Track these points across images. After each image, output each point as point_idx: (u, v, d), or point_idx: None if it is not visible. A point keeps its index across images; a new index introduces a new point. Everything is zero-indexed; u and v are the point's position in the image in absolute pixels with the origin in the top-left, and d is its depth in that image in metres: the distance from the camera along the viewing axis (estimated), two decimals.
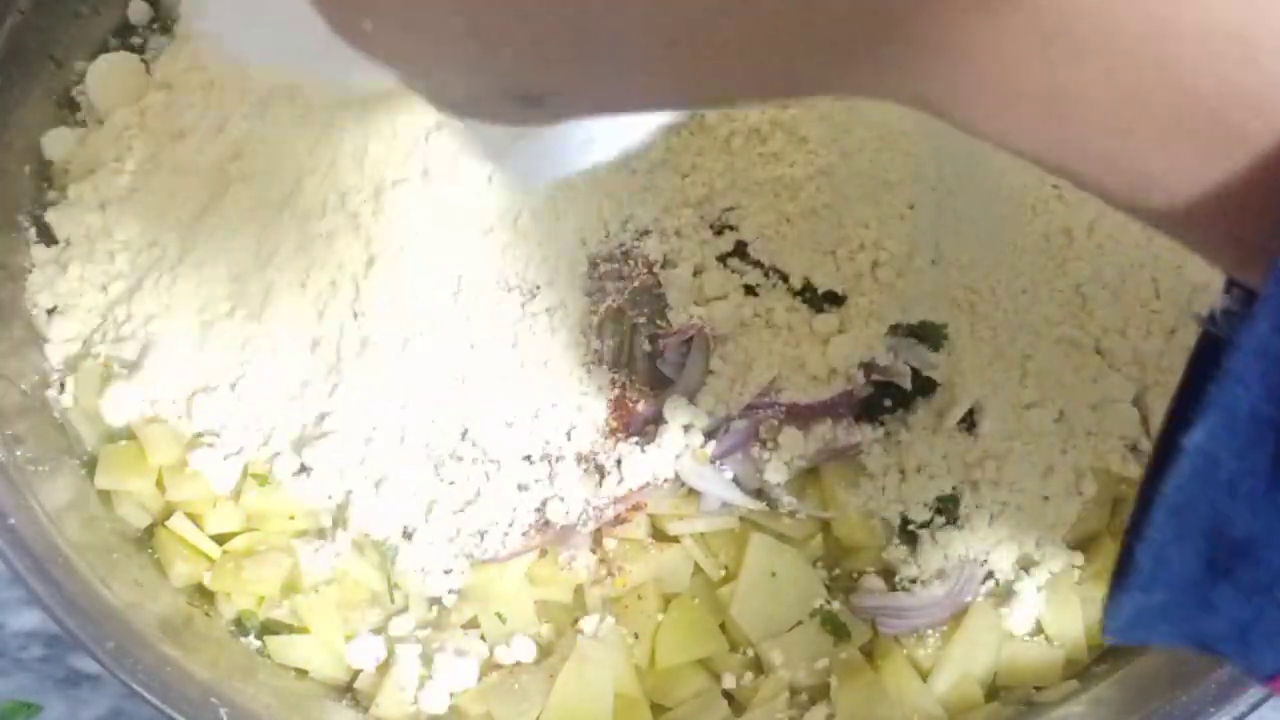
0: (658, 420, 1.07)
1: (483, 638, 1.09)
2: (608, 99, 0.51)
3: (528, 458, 1.08)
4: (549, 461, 1.07)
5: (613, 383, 1.07)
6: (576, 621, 1.08)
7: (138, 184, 1.22)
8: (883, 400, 1.08)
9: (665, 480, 1.07)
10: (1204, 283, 1.19)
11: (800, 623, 1.08)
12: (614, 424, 1.08)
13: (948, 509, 1.07)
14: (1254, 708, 0.97)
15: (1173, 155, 0.39)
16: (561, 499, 1.06)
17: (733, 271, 1.06)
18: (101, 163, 1.25)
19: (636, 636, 1.08)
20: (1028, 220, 1.17)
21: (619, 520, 1.08)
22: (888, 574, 1.10)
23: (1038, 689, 1.08)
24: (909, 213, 1.09)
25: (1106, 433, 1.12)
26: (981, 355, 1.10)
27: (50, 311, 1.19)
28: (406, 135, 1.10)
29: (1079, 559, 1.09)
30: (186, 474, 1.10)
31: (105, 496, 1.13)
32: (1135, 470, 1.11)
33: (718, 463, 1.06)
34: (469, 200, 1.08)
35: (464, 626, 1.09)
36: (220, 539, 1.11)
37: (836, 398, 1.07)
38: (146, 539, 1.13)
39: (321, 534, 1.11)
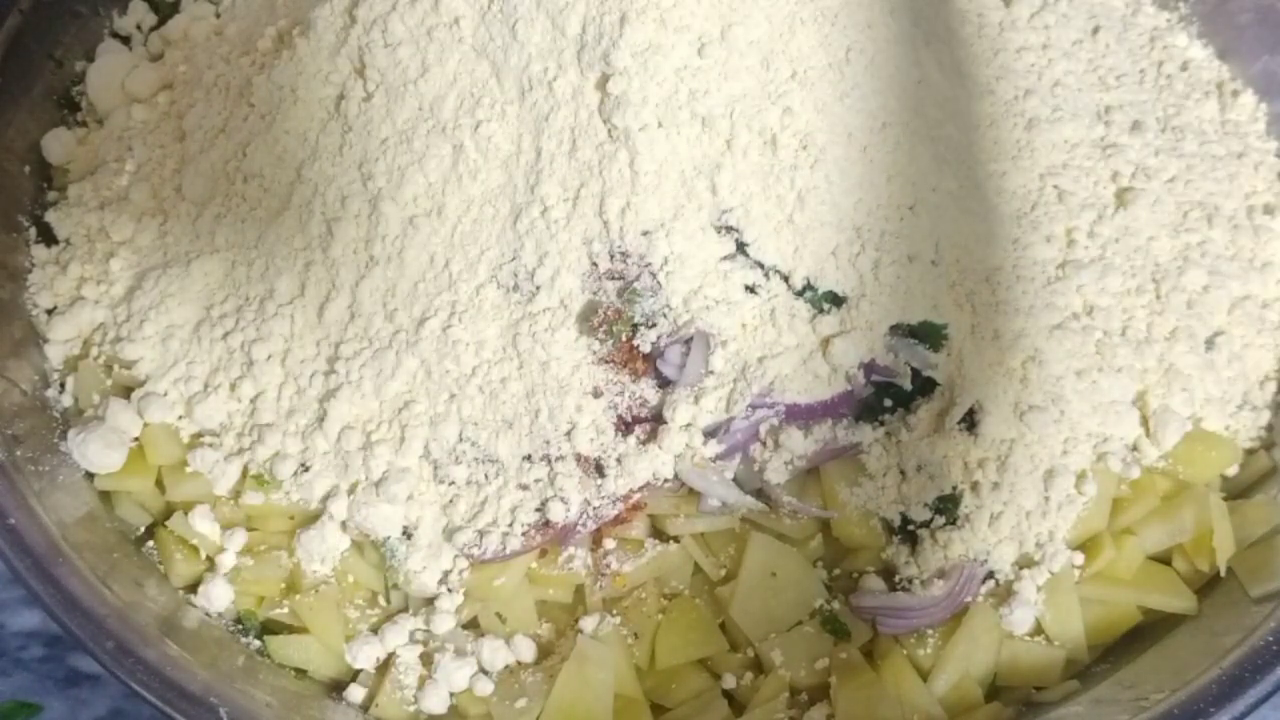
0: (658, 420, 1.07)
1: (482, 638, 1.09)
2: None
3: (528, 458, 1.08)
4: (549, 461, 1.07)
5: (613, 382, 1.07)
6: (576, 621, 1.09)
7: (137, 184, 1.22)
8: (883, 400, 1.08)
9: (665, 480, 1.07)
10: (1203, 283, 1.19)
11: (800, 623, 1.08)
12: (614, 423, 1.08)
13: (948, 509, 1.07)
14: (1254, 707, 0.97)
15: None
16: (562, 499, 1.06)
17: (733, 271, 1.06)
18: (101, 163, 1.25)
19: (636, 636, 1.08)
20: (1028, 220, 1.17)
21: (619, 520, 1.08)
22: (888, 574, 1.10)
23: (1038, 689, 1.08)
24: (909, 213, 1.09)
25: (1106, 433, 1.12)
26: (981, 355, 1.10)
27: (50, 311, 1.19)
28: (405, 135, 1.10)
29: (1079, 559, 1.09)
30: (186, 474, 1.11)
31: (105, 496, 1.13)
32: (1135, 470, 1.11)
33: (718, 462, 1.06)
34: (469, 200, 1.08)
35: (464, 626, 1.09)
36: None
37: (836, 398, 1.07)
38: (146, 539, 1.14)
39: (322, 534, 1.11)
